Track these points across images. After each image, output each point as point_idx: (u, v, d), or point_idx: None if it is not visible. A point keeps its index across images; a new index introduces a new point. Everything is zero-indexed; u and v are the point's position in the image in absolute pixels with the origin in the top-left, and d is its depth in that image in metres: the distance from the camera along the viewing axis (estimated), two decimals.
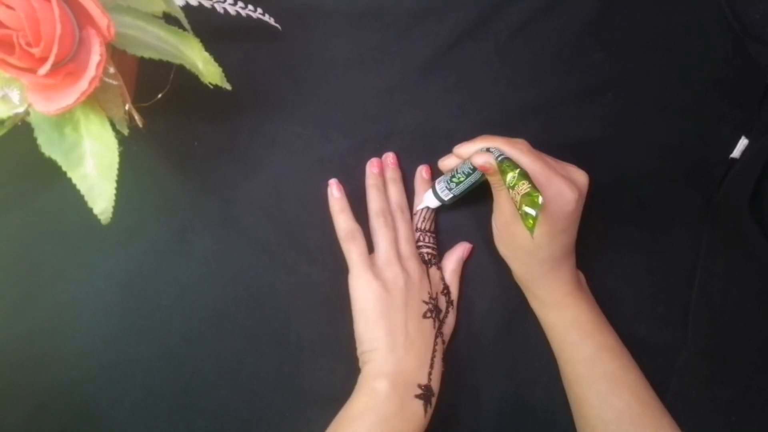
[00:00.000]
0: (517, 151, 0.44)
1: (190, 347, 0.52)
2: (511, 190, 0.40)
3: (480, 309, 0.52)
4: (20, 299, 0.52)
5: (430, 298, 0.48)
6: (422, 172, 0.53)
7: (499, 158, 0.43)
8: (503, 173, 0.42)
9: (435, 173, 0.53)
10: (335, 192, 0.51)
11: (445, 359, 0.49)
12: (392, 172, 0.53)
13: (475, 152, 0.45)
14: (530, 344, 0.52)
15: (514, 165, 0.42)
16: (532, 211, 0.38)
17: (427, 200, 0.51)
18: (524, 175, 0.40)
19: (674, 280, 0.53)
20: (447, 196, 0.49)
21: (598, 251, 0.53)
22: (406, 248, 0.49)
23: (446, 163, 0.49)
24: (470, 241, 0.53)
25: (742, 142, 0.54)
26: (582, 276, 0.51)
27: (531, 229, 0.38)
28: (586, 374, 0.46)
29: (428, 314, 0.47)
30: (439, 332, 0.47)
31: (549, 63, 0.55)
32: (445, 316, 0.49)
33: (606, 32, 0.56)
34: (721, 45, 0.55)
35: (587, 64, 0.55)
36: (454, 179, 0.48)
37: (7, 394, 0.51)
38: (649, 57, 0.55)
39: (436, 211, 0.53)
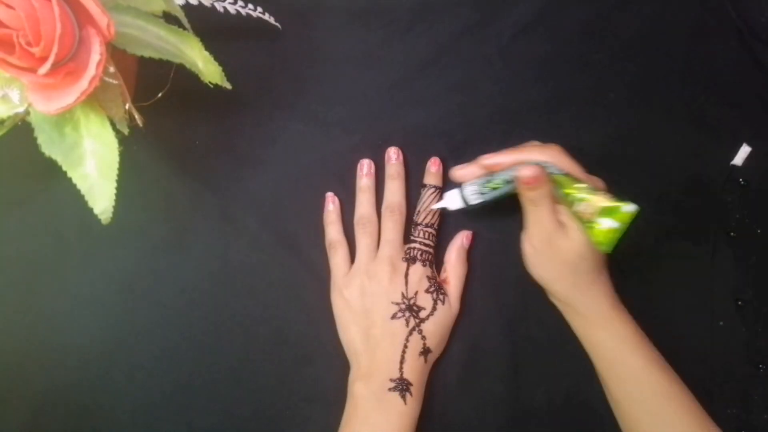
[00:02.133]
0: (557, 157, 0.44)
1: (190, 347, 0.52)
2: (576, 203, 0.40)
3: (481, 310, 0.52)
4: (20, 299, 0.52)
5: (403, 298, 0.48)
6: (431, 166, 0.52)
7: (550, 170, 0.43)
8: (561, 187, 0.41)
9: (446, 168, 0.52)
10: (329, 205, 0.53)
11: (444, 355, 0.50)
12: (393, 168, 0.52)
13: (516, 163, 0.45)
14: (531, 346, 0.51)
15: (572, 178, 0.41)
16: (615, 224, 0.38)
17: (448, 201, 0.49)
18: (593, 188, 0.40)
19: (675, 284, 0.53)
20: (477, 200, 0.47)
21: None
22: (384, 251, 0.50)
23: (462, 173, 0.48)
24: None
25: (744, 149, 0.54)
26: None
27: (609, 245, 0.37)
28: (636, 391, 0.45)
29: (398, 315, 0.48)
30: (415, 329, 0.48)
31: (550, 63, 0.55)
32: (431, 312, 0.49)
33: (607, 33, 0.55)
34: (724, 48, 0.55)
35: (588, 65, 0.55)
36: (490, 184, 0.46)
37: (7, 394, 0.51)
38: (650, 59, 0.55)
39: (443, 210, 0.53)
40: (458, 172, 0.48)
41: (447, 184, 0.52)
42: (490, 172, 0.47)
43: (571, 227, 0.45)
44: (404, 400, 0.46)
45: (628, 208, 0.38)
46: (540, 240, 0.46)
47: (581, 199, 0.40)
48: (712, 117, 0.55)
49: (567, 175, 0.43)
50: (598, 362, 0.47)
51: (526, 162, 0.45)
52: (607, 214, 0.38)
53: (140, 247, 0.52)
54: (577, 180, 0.42)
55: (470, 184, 0.48)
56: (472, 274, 0.52)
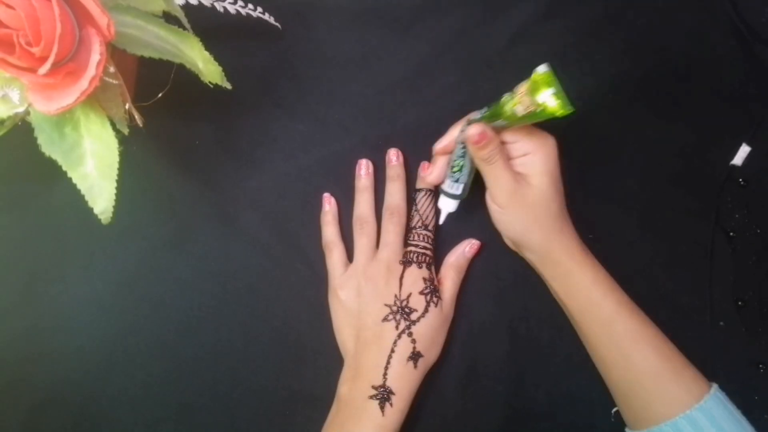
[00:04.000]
0: (473, 113, 0.46)
1: (190, 346, 0.52)
2: (516, 107, 0.41)
3: (481, 310, 0.52)
4: (20, 298, 0.52)
5: (396, 300, 0.48)
6: (422, 170, 0.53)
7: (480, 117, 0.45)
8: (501, 108, 0.42)
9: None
10: (326, 206, 0.53)
11: (444, 356, 0.49)
12: (393, 170, 0.52)
13: (458, 136, 0.47)
14: (531, 346, 0.51)
15: (493, 105, 0.43)
16: (550, 91, 0.39)
17: (443, 206, 0.50)
18: (507, 95, 0.42)
19: (675, 284, 0.53)
20: (458, 189, 0.48)
21: (598, 254, 0.53)
22: (383, 253, 0.50)
23: (432, 177, 0.50)
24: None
25: (743, 149, 0.54)
26: None
27: (564, 106, 0.39)
28: (607, 334, 0.46)
29: (388, 317, 0.48)
30: (405, 332, 0.47)
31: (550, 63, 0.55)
32: (423, 314, 0.48)
33: (607, 34, 0.55)
34: (725, 49, 0.55)
35: (588, 66, 0.55)
36: (454, 169, 0.48)
37: (7, 392, 0.51)
38: (651, 59, 0.55)
39: (438, 211, 0.52)
40: (428, 177, 0.50)
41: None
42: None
43: (529, 174, 0.45)
44: (383, 411, 0.46)
45: (541, 68, 0.40)
46: (504, 195, 0.46)
47: (512, 104, 0.41)
48: (712, 117, 0.55)
49: (488, 107, 0.45)
50: (573, 308, 0.48)
51: (470, 119, 0.46)
52: (536, 91, 0.39)
53: (140, 246, 0.52)
54: (493, 106, 0.44)
55: (443, 185, 0.49)
56: (472, 275, 0.52)
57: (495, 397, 0.51)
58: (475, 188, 0.51)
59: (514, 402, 0.51)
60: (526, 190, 0.45)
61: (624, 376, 0.46)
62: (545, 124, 0.45)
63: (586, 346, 0.49)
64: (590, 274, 0.47)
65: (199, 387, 0.51)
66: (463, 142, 0.47)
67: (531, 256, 0.48)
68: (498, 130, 0.45)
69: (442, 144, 0.49)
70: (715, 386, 0.44)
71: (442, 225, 0.52)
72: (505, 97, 0.43)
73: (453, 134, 0.48)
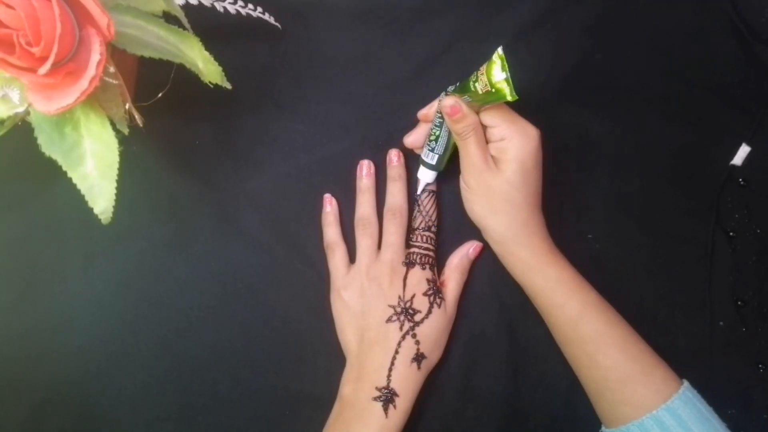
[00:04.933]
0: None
1: (190, 346, 0.52)
2: (476, 85, 0.43)
3: (481, 310, 0.52)
4: (20, 298, 0.52)
5: (400, 301, 0.48)
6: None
7: (453, 90, 0.47)
8: (468, 83, 0.44)
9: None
10: (327, 206, 0.53)
11: (444, 356, 0.49)
12: (394, 170, 0.52)
13: (437, 105, 0.48)
14: (531, 346, 0.51)
15: (464, 83, 0.45)
16: (502, 74, 0.41)
17: (422, 177, 0.50)
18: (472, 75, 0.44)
19: (675, 284, 0.53)
20: (434, 158, 0.49)
21: (597, 255, 0.53)
22: (386, 254, 0.50)
23: (411, 139, 0.51)
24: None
25: (743, 149, 0.54)
26: None
27: (511, 89, 0.41)
28: (573, 335, 0.46)
29: (392, 318, 0.48)
30: (409, 333, 0.48)
31: (550, 64, 0.55)
32: (426, 315, 0.48)
33: (607, 34, 0.55)
34: (724, 49, 0.55)
35: (588, 66, 0.55)
36: (430, 137, 0.49)
37: (6, 392, 0.51)
38: (651, 60, 0.55)
39: (440, 212, 0.53)
40: (406, 139, 0.51)
41: (441, 185, 0.52)
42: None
43: (500, 160, 0.46)
44: (386, 413, 0.46)
45: (498, 51, 0.42)
46: (470, 175, 0.46)
47: (474, 81, 0.44)
48: (712, 117, 0.55)
49: (456, 86, 0.47)
50: (539, 308, 0.48)
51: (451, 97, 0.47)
52: (491, 71, 0.42)
53: (140, 247, 0.52)
54: (463, 82, 0.46)
55: (422, 151, 0.50)
56: (472, 275, 0.52)
57: (494, 397, 0.51)
58: None
59: (513, 402, 0.51)
60: (493, 174, 0.46)
61: (591, 376, 0.46)
62: (534, 118, 0.45)
63: (558, 344, 0.48)
64: (553, 273, 0.46)
65: (199, 387, 0.51)
66: (440, 112, 0.47)
67: (493, 246, 0.49)
68: (476, 109, 0.46)
69: (424, 111, 0.50)
70: (684, 385, 0.44)
71: (443, 226, 0.52)
72: (474, 74, 0.44)
73: (434, 103, 0.49)
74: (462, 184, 0.48)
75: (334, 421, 0.47)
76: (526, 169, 0.46)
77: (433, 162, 0.49)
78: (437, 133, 0.48)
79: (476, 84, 0.43)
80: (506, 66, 0.41)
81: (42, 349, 0.51)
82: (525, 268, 0.47)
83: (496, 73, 0.42)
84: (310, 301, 0.52)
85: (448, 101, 0.45)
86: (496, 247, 0.48)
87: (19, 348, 0.51)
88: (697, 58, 0.55)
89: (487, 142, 0.47)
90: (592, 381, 0.46)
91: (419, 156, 0.50)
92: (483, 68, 0.43)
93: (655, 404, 0.43)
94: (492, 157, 0.46)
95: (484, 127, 0.47)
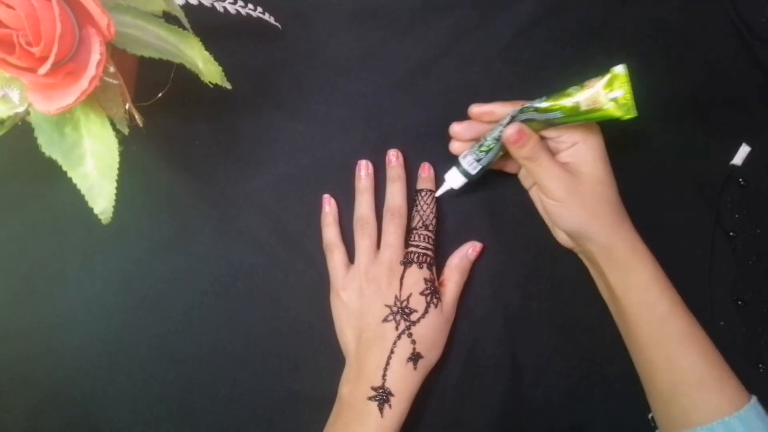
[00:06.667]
0: (523, 103, 0.46)
1: (190, 346, 0.52)
2: (581, 99, 0.42)
3: (481, 310, 0.52)
4: (20, 297, 0.52)
5: (396, 300, 0.48)
6: (422, 171, 0.53)
7: (534, 106, 0.44)
8: (565, 98, 0.43)
9: (437, 170, 0.53)
10: (326, 207, 0.53)
11: (444, 355, 0.49)
12: (393, 171, 0.52)
13: (498, 110, 0.47)
14: (531, 346, 0.51)
15: (550, 98, 0.43)
16: (620, 92, 0.40)
17: (450, 181, 0.50)
18: (571, 89, 0.42)
19: (675, 284, 0.53)
20: (476, 168, 0.48)
21: None
22: (385, 254, 0.50)
23: (460, 129, 0.49)
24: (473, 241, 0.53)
25: (743, 149, 0.54)
26: None
27: (631, 108, 0.40)
28: (658, 334, 0.45)
29: (389, 318, 0.48)
30: (405, 333, 0.47)
31: (550, 64, 0.55)
32: (423, 315, 0.48)
33: (607, 34, 0.55)
34: (725, 49, 0.55)
35: (588, 65, 0.55)
36: (483, 147, 0.47)
37: (6, 391, 0.51)
38: (651, 60, 0.55)
39: (439, 212, 0.53)
40: (456, 128, 0.49)
41: (440, 183, 0.52)
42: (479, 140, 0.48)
43: (581, 163, 0.45)
44: (381, 413, 0.46)
45: (619, 69, 0.41)
46: (560, 189, 0.45)
47: (577, 95, 0.42)
48: (712, 117, 0.55)
49: (545, 100, 0.44)
50: (627, 306, 0.46)
51: (509, 114, 0.46)
52: (611, 87, 0.40)
53: (140, 246, 0.52)
54: (553, 97, 0.44)
55: (465, 156, 0.49)
56: (472, 275, 0.52)
57: (494, 397, 0.51)
58: (475, 192, 0.51)
59: (512, 402, 0.51)
60: (581, 180, 0.45)
61: (668, 379, 0.45)
62: None
63: (631, 346, 0.48)
64: (650, 271, 0.46)
65: (199, 387, 0.51)
66: (502, 124, 0.46)
67: (592, 248, 0.47)
68: (536, 128, 0.45)
69: (478, 110, 0.48)
70: (754, 398, 0.44)
71: (443, 225, 0.52)
72: (572, 88, 0.43)
73: (496, 110, 0.47)
74: (548, 204, 0.46)
75: (334, 422, 0.47)
76: (608, 164, 0.46)
77: (473, 172, 0.48)
78: (491, 146, 0.47)
79: (580, 100, 0.42)
80: (629, 83, 0.40)
81: (42, 349, 0.51)
82: (624, 268, 0.46)
83: (618, 89, 0.40)
84: (310, 301, 0.52)
85: (511, 129, 0.45)
86: (597, 250, 0.47)
87: (19, 347, 0.51)
88: (698, 58, 0.55)
89: (554, 153, 0.46)
90: (667, 384, 0.45)
91: (457, 158, 0.49)
92: (595, 83, 0.41)
93: (727, 412, 0.42)
94: (566, 164, 0.46)
95: (545, 140, 0.46)
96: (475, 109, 0.48)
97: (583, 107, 0.42)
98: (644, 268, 0.46)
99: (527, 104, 0.45)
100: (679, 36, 0.56)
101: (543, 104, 0.44)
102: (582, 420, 0.50)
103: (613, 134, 0.54)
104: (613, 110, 0.41)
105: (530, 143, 0.45)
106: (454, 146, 0.50)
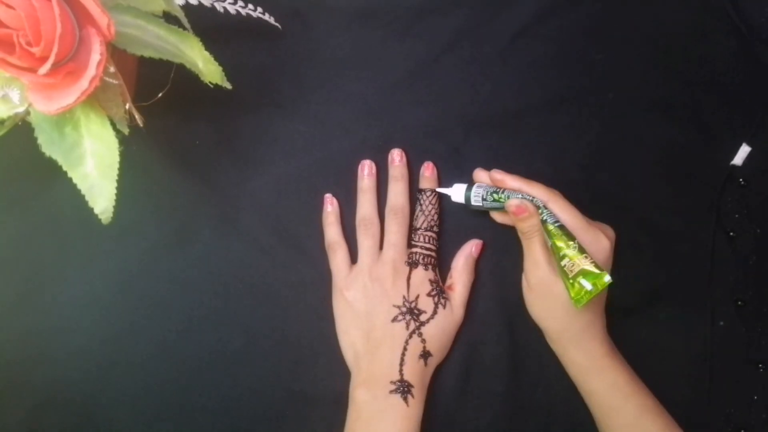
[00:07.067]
0: (556, 201, 0.45)
1: (190, 347, 0.52)
2: (563, 258, 0.42)
3: (481, 310, 0.52)
4: (19, 298, 0.52)
5: (405, 301, 0.48)
6: (425, 170, 0.53)
7: (544, 218, 0.45)
8: (551, 238, 0.44)
9: (440, 172, 0.53)
10: (328, 206, 0.52)
11: (448, 358, 0.50)
12: (396, 170, 0.52)
13: (518, 189, 0.47)
14: (531, 346, 0.51)
15: (565, 232, 0.44)
16: (589, 286, 0.40)
17: (454, 191, 0.50)
18: (582, 248, 0.43)
19: (675, 284, 0.53)
20: (476, 203, 0.49)
21: None
22: (388, 254, 0.50)
23: (479, 175, 0.50)
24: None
25: (743, 149, 0.54)
26: None
27: (580, 302, 0.40)
28: None
29: (398, 318, 0.48)
30: (415, 332, 0.48)
31: (550, 64, 0.55)
32: (432, 316, 0.49)
33: (607, 34, 0.55)
34: (724, 48, 0.55)
35: (588, 66, 0.55)
36: (495, 195, 0.47)
37: (6, 393, 0.51)
38: (650, 59, 0.55)
39: (441, 212, 0.53)
40: (479, 173, 0.50)
41: (443, 185, 0.52)
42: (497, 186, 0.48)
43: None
44: (406, 402, 0.46)
45: (606, 278, 0.41)
46: (534, 276, 0.46)
47: (565, 256, 0.43)
48: (712, 117, 0.55)
49: (561, 227, 0.44)
50: (593, 409, 0.47)
51: (526, 193, 0.46)
52: (584, 276, 0.41)
53: (140, 246, 0.52)
54: (569, 236, 0.44)
55: (478, 187, 0.49)
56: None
57: (495, 397, 0.51)
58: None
59: (514, 402, 0.51)
60: (555, 280, 0.45)
61: None
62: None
63: None
64: (610, 377, 0.46)
65: (199, 387, 0.51)
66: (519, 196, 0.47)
67: (549, 344, 0.48)
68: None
69: (500, 176, 0.48)
70: None
71: (444, 225, 0.52)
72: (574, 243, 0.43)
73: (514, 184, 0.47)
74: (523, 281, 0.48)
75: (352, 425, 0.47)
76: (603, 296, 0.45)
77: (474, 204, 0.49)
78: (501, 201, 0.47)
79: (564, 258, 0.43)
80: (600, 289, 0.41)
81: (42, 349, 0.51)
82: (581, 371, 0.47)
83: (588, 281, 0.41)
84: (309, 301, 0.52)
85: (513, 202, 0.45)
86: (552, 346, 0.48)
87: (19, 348, 0.51)
88: (697, 58, 0.55)
89: None
90: None
91: (472, 181, 0.50)
92: (584, 260, 0.42)
93: None
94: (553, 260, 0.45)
95: None
96: (497, 175, 0.48)
97: (563, 264, 0.43)
98: (603, 376, 0.46)
99: (544, 215, 0.45)
100: (679, 36, 0.56)
101: (549, 226, 0.45)
102: (582, 420, 0.50)
103: (613, 134, 0.55)
104: (573, 290, 0.42)
105: (531, 220, 0.45)
106: (479, 175, 0.50)
